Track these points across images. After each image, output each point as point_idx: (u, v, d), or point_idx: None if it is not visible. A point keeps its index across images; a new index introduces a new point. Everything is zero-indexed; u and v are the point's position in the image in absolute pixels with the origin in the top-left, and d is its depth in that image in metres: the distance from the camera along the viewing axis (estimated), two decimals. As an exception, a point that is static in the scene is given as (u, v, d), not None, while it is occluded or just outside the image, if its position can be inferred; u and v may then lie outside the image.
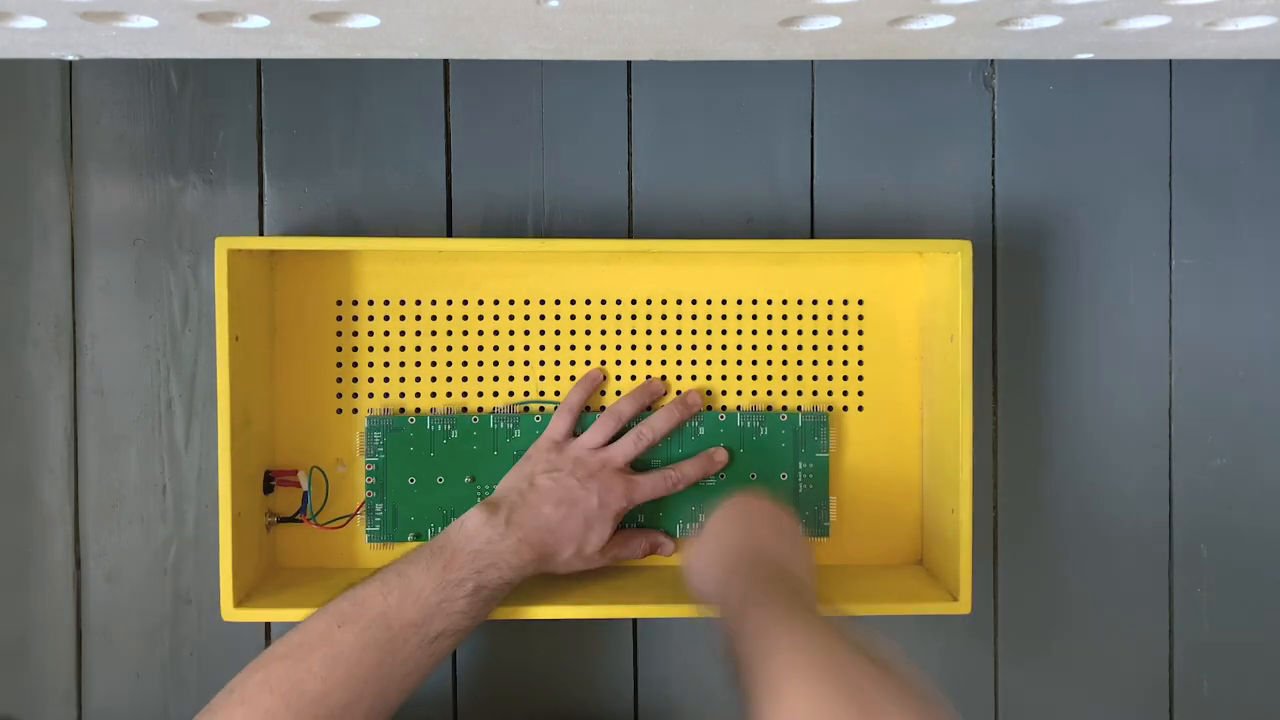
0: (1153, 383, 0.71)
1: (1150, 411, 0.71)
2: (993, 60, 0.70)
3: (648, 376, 0.69)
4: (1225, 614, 0.71)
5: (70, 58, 0.68)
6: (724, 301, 0.69)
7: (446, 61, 0.69)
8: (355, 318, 0.68)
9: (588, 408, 0.68)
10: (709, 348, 0.69)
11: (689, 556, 0.60)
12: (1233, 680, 0.71)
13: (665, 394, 0.69)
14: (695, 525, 0.68)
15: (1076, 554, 0.71)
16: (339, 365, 0.68)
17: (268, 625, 0.69)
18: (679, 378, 0.69)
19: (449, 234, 0.69)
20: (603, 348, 0.69)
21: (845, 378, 0.69)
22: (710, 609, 0.56)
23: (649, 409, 0.68)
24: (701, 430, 0.68)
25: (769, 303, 0.69)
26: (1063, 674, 0.71)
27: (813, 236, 0.70)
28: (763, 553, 0.56)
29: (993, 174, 0.70)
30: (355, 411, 0.68)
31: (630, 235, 0.69)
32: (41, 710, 0.69)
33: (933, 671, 0.71)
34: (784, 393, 0.69)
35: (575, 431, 0.67)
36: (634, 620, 0.70)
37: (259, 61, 0.69)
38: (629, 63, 0.69)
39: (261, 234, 0.69)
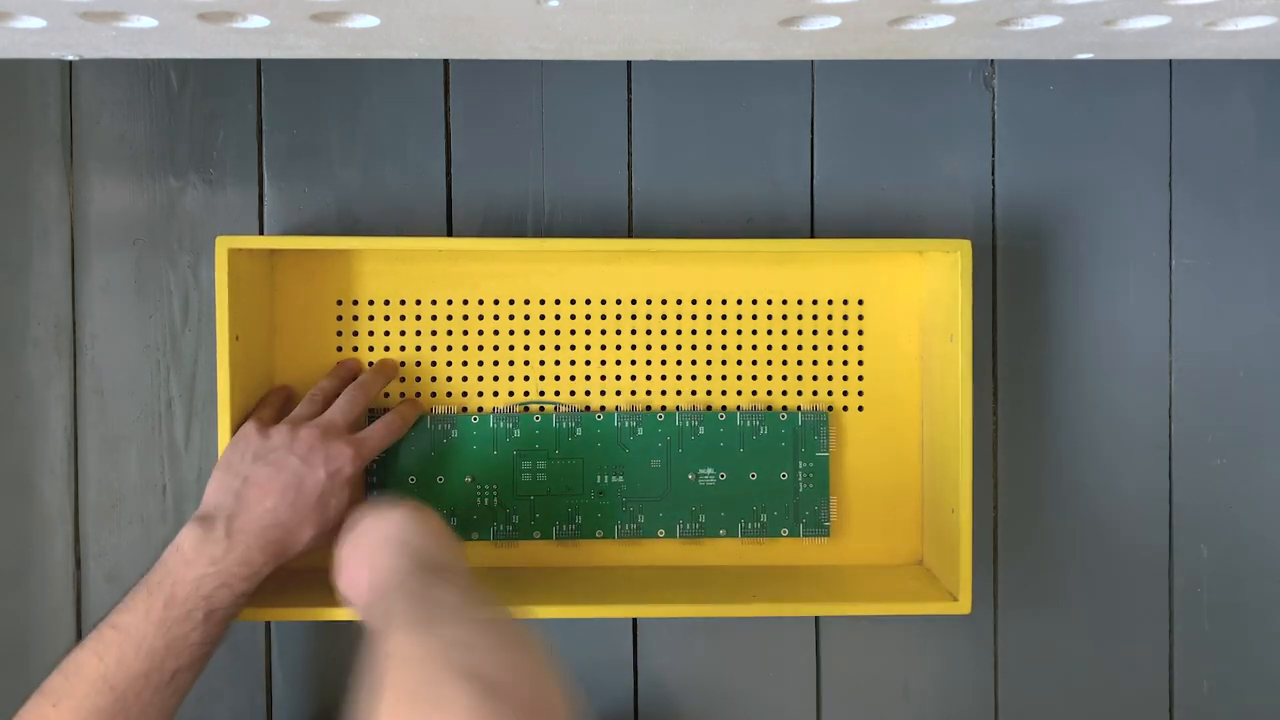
0: (1153, 383, 0.71)
1: (1150, 411, 0.71)
2: (993, 60, 0.70)
3: (634, 376, 0.69)
4: (1225, 614, 0.71)
5: (70, 58, 0.68)
6: (724, 301, 0.69)
7: (446, 61, 0.69)
8: (355, 318, 0.68)
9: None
10: (709, 347, 0.69)
11: (340, 559, 0.56)
12: (1233, 680, 0.71)
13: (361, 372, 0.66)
14: (695, 526, 0.68)
15: (1076, 553, 0.71)
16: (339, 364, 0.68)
17: (268, 625, 0.69)
18: (679, 377, 0.69)
19: (449, 234, 0.69)
20: (603, 347, 0.69)
21: (845, 377, 0.69)
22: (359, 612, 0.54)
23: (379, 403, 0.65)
24: (702, 430, 0.68)
25: (769, 302, 0.69)
26: (1062, 673, 0.71)
27: (813, 236, 0.70)
28: (405, 551, 0.52)
29: (993, 174, 0.70)
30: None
31: (630, 234, 0.69)
32: (41, 710, 0.68)
33: (932, 671, 0.71)
34: (784, 392, 0.69)
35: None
36: (634, 620, 0.70)
37: (259, 61, 0.69)
38: (629, 63, 0.69)
39: (261, 234, 0.69)
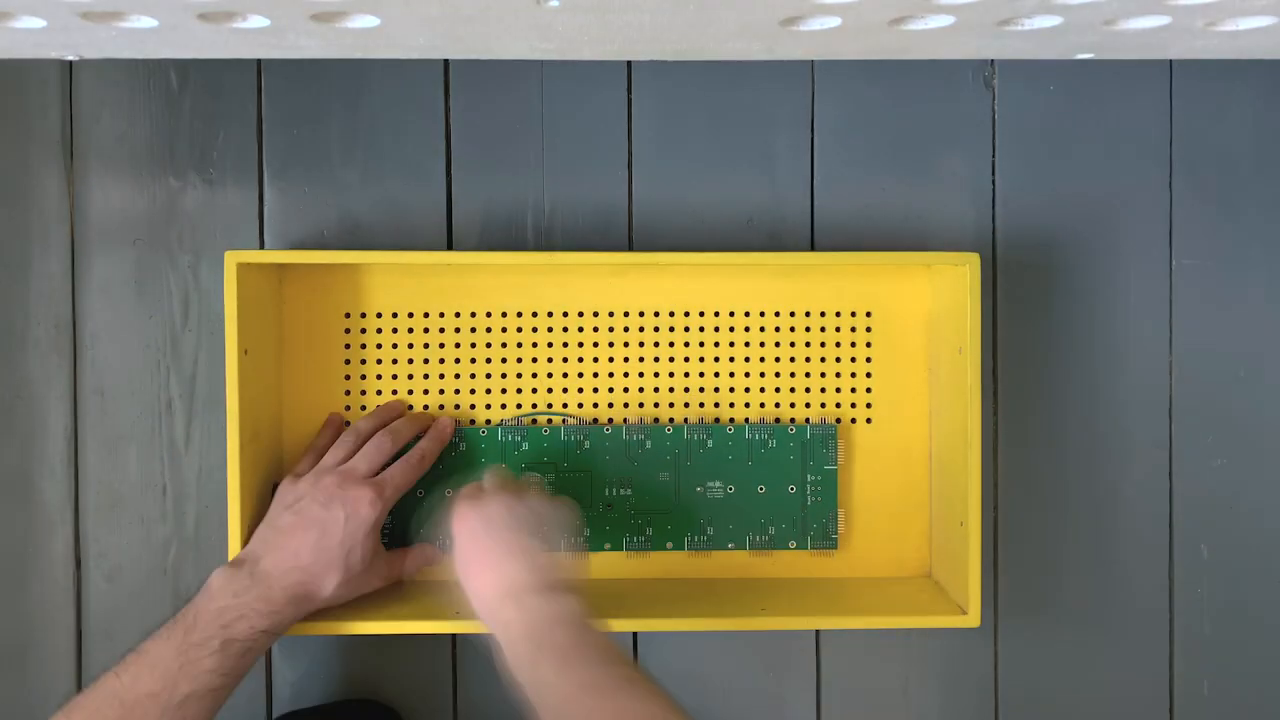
0: (1153, 383, 0.71)
1: (1150, 411, 0.71)
2: (993, 60, 0.70)
3: (642, 389, 0.69)
4: (1225, 614, 0.71)
5: (70, 58, 0.68)
6: (731, 313, 0.69)
7: (446, 61, 0.69)
8: (364, 330, 0.68)
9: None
10: (716, 359, 0.69)
11: (460, 574, 0.58)
12: (1233, 680, 0.71)
13: (410, 411, 0.68)
14: (703, 539, 0.68)
15: (1076, 553, 0.71)
16: (346, 378, 0.68)
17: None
18: (687, 390, 0.69)
19: (449, 234, 0.69)
20: (610, 359, 0.69)
21: (853, 389, 0.69)
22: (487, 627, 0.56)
23: (416, 437, 0.66)
24: (710, 443, 0.68)
25: (776, 314, 0.69)
26: (1063, 674, 0.71)
27: (813, 237, 0.70)
28: (520, 581, 0.55)
29: (993, 174, 0.70)
30: (347, 423, 0.68)
31: (630, 235, 0.69)
32: (42, 710, 0.68)
33: (933, 676, 0.71)
34: (791, 405, 0.69)
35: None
36: (634, 634, 0.70)
37: (259, 61, 0.69)
38: (629, 63, 0.69)
39: (262, 234, 0.69)
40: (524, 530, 0.57)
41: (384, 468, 0.63)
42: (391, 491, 0.62)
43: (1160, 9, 0.56)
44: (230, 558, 0.62)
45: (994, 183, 0.70)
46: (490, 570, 0.56)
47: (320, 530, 0.60)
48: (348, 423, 0.67)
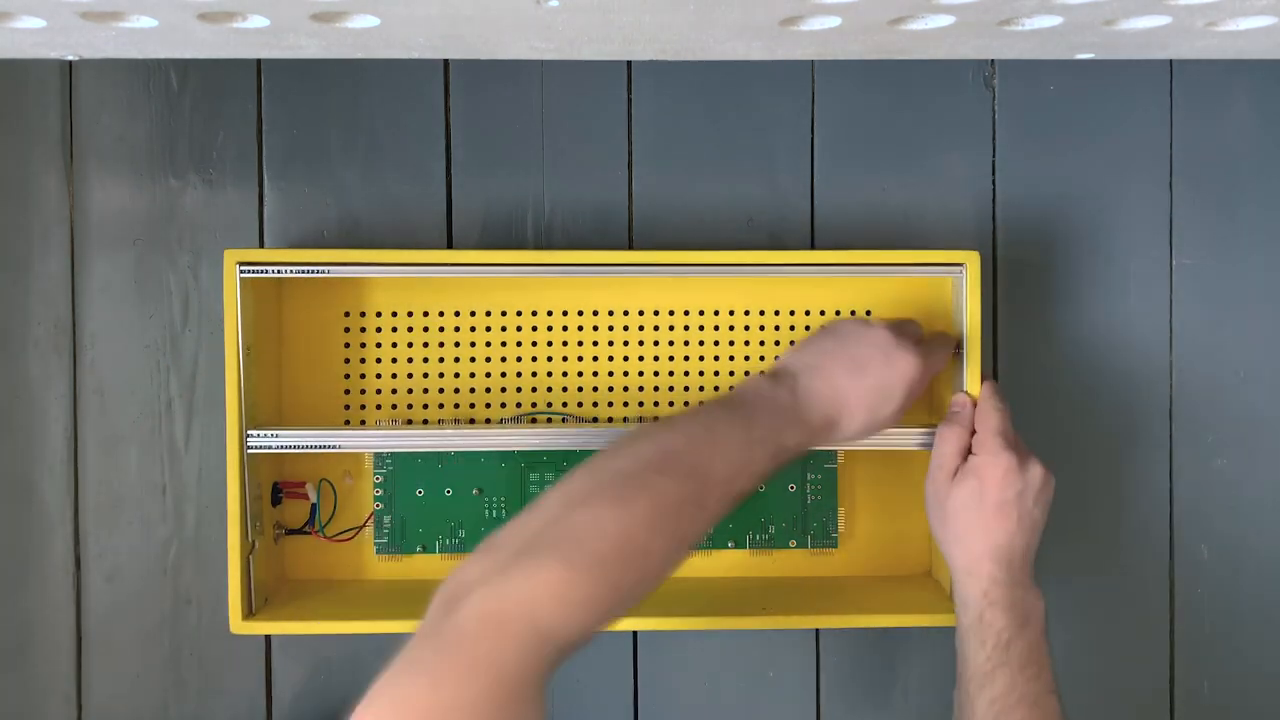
0: (1153, 383, 0.71)
1: (1150, 411, 0.71)
2: (993, 60, 0.70)
3: (642, 389, 0.69)
4: (1225, 614, 0.71)
5: (70, 58, 0.68)
6: (731, 312, 0.69)
7: (446, 61, 0.69)
8: (364, 329, 0.68)
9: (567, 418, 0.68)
10: (716, 359, 0.69)
11: (946, 505, 0.60)
12: (1233, 680, 0.71)
13: None
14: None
15: (1076, 554, 0.71)
16: (346, 377, 0.68)
17: (268, 636, 0.69)
18: (687, 389, 0.69)
19: (449, 234, 0.69)
20: (610, 359, 0.68)
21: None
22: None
23: None
24: None
25: (776, 313, 0.69)
26: (1063, 674, 0.71)
27: (813, 237, 0.70)
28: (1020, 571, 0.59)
29: (993, 173, 0.70)
30: (363, 423, 0.68)
31: (630, 235, 0.69)
32: (41, 710, 0.69)
33: (935, 673, 0.70)
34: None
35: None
36: (634, 633, 0.70)
37: (259, 61, 0.69)
38: (629, 63, 0.69)
39: (262, 234, 0.69)
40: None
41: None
42: (932, 368, 0.61)
43: (1160, 9, 0.56)
44: (229, 558, 0.62)
45: (994, 183, 0.70)
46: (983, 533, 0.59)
47: (862, 371, 0.58)
48: None
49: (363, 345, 0.68)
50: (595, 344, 0.68)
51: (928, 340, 0.62)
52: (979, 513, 0.59)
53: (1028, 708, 0.56)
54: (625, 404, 0.69)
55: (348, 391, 0.68)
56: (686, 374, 0.69)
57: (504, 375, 0.68)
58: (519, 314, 0.68)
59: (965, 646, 0.59)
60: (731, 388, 0.59)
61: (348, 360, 0.68)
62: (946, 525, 0.61)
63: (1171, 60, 0.70)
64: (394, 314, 0.68)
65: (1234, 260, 0.71)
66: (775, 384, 0.57)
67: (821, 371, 0.58)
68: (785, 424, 0.55)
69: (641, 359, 0.69)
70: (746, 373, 0.69)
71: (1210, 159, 0.71)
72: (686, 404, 0.69)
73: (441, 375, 0.68)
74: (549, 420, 0.68)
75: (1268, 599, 0.71)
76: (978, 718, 0.57)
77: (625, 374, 0.69)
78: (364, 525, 0.68)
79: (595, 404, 0.69)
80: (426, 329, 0.68)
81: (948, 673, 0.71)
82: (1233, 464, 0.71)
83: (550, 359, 0.68)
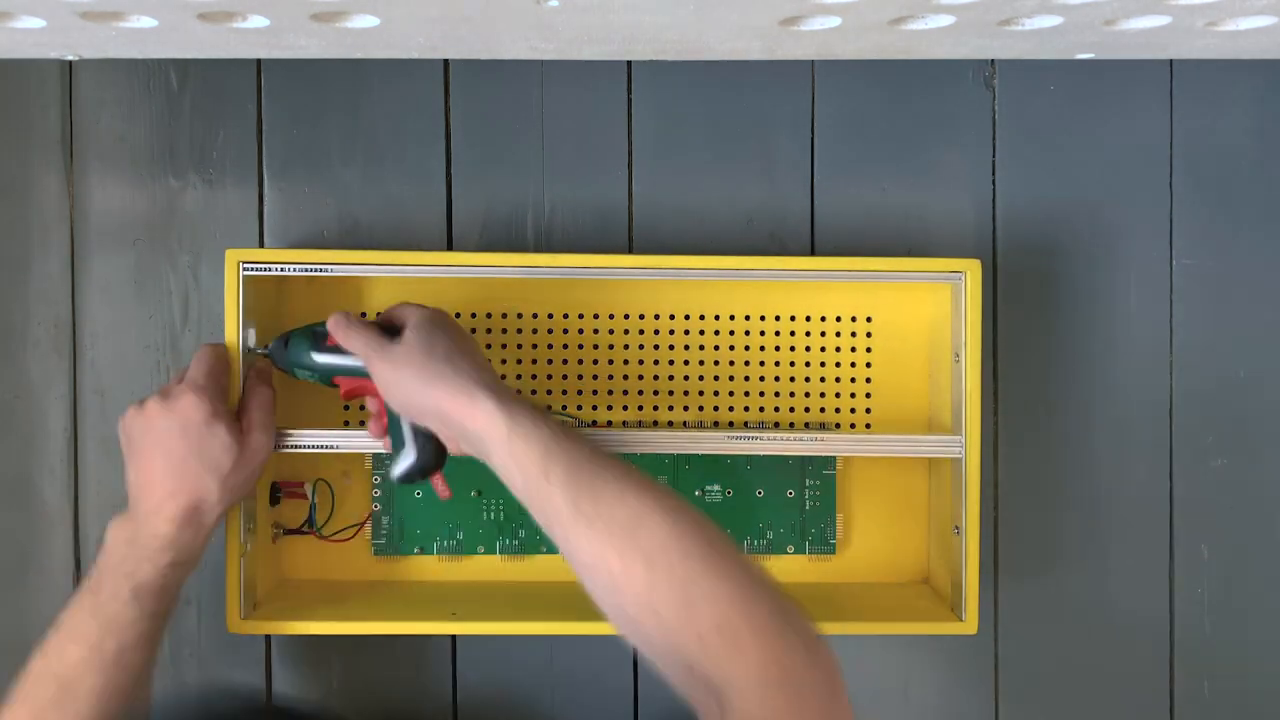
0: (1153, 383, 0.71)
1: (1150, 411, 0.71)
2: (993, 60, 0.70)
3: (641, 391, 0.69)
4: (1225, 614, 0.71)
5: (70, 58, 0.68)
6: (731, 317, 0.69)
7: (446, 61, 0.69)
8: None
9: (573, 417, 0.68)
10: (715, 363, 0.69)
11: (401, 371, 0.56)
12: (1233, 680, 0.71)
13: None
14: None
15: (1076, 553, 0.70)
16: (345, 374, 0.68)
17: (267, 636, 0.69)
18: (686, 393, 0.69)
19: (449, 234, 0.69)
20: (610, 361, 0.68)
21: (853, 394, 0.69)
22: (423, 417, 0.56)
23: None
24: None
25: (776, 319, 0.69)
26: (1064, 674, 0.71)
27: (813, 237, 0.70)
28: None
29: (993, 173, 0.70)
30: (362, 424, 0.68)
31: (630, 235, 0.69)
32: (41, 710, 0.68)
33: (935, 675, 0.70)
34: (791, 409, 0.69)
35: None
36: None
37: (259, 61, 0.69)
38: (629, 63, 0.69)
39: (262, 234, 0.69)
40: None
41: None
42: (208, 381, 0.59)
43: (1160, 9, 0.56)
44: (229, 560, 0.62)
45: (994, 182, 0.70)
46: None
47: (163, 451, 0.58)
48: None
49: (363, 345, 0.68)
50: (595, 346, 0.68)
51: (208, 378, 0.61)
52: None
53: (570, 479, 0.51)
54: (625, 407, 0.69)
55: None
56: (686, 378, 0.69)
57: (503, 377, 0.68)
58: (519, 315, 0.68)
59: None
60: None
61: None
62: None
63: (1171, 60, 0.70)
64: (394, 314, 0.68)
65: (1234, 260, 0.71)
66: (117, 530, 0.58)
67: (137, 485, 0.58)
68: (136, 562, 0.57)
69: (641, 362, 0.69)
70: (746, 377, 0.69)
71: (1210, 159, 0.71)
72: (685, 408, 0.69)
73: (441, 375, 0.68)
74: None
75: (1268, 599, 0.71)
76: (573, 543, 0.50)
77: (625, 377, 0.69)
78: (362, 525, 0.68)
79: (594, 406, 0.68)
80: (426, 329, 0.68)
81: (948, 677, 0.71)
82: (1233, 464, 0.71)
83: (550, 361, 0.68)
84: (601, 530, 0.48)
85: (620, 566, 0.47)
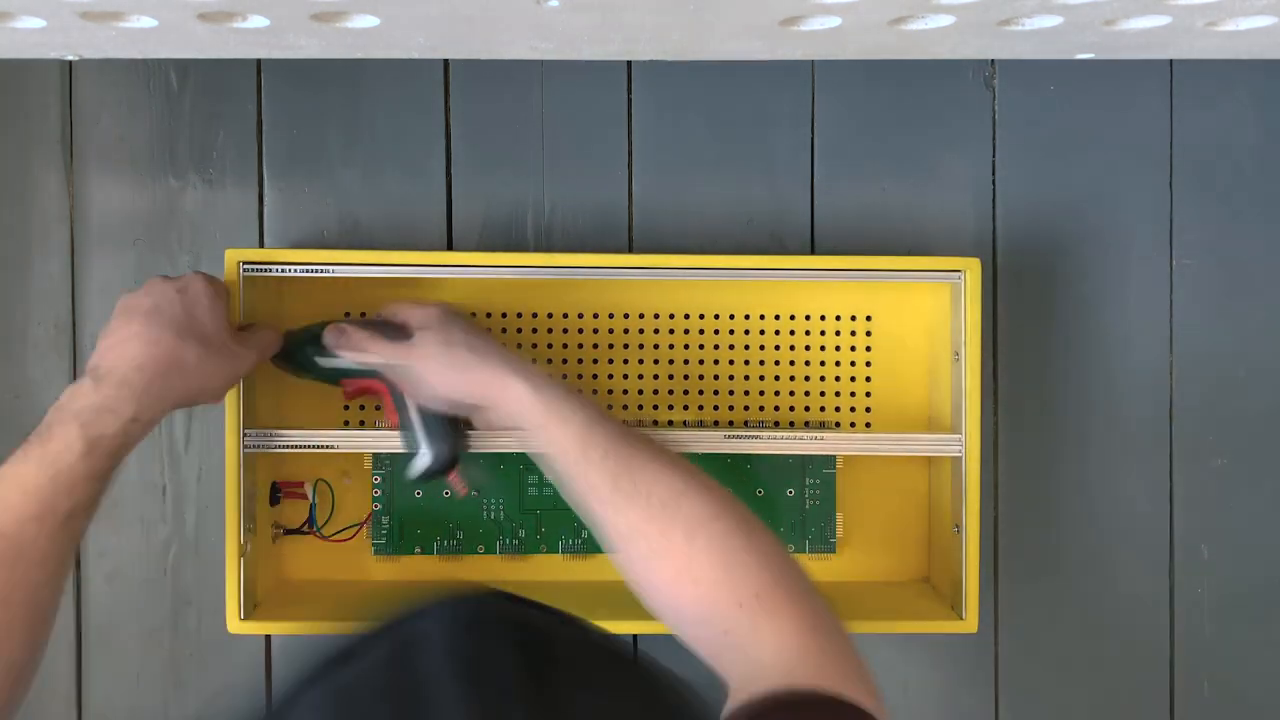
0: (1153, 383, 0.71)
1: (1150, 411, 0.71)
2: (993, 60, 0.70)
3: (641, 391, 0.69)
4: (1225, 614, 0.71)
5: (70, 58, 0.68)
6: (731, 316, 0.69)
7: (446, 61, 0.69)
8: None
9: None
10: (715, 362, 0.69)
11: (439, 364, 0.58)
12: (1233, 680, 0.71)
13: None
14: None
15: (1077, 554, 0.71)
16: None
17: (267, 636, 0.69)
18: (685, 392, 0.69)
19: (449, 234, 0.69)
20: (610, 361, 0.68)
21: (853, 394, 0.69)
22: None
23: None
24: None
25: (776, 318, 0.69)
26: (1064, 674, 0.71)
27: (813, 237, 0.70)
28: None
29: (993, 173, 0.70)
30: (362, 424, 0.68)
31: (630, 235, 0.69)
32: (42, 710, 0.68)
33: (935, 674, 0.70)
34: (791, 408, 0.69)
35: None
36: (634, 636, 0.70)
37: (259, 61, 0.69)
38: (629, 63, 0.69)
39: (262, 234, 0.69)
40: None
41: None
42: (215, 282, 0.59)
43: (1160, 9, 0.56)
44: (229, 560, 0.62)
45: (994, 182, 0.70)
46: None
47: (153, 308, 0.56)
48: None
49: (363, 345, 0.68)
50: (595, 346, 0.68)
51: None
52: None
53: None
54: (625, 406, 0.69)
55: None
56: (686, 377, 0.69)
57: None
58: (519, 315, 0.68)
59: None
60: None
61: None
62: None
63: (1171, 60, 0.70)
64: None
65: (1234, 260, 0.71)
66: (75, 388, 0.54)
67: (110, 346, 0.55)
68: (95, 413, 0.52)
69: (641, 361, 0.69)
70: (746, 376, 0.69)
71: (1210, 159, 0.71)
72: (685, 407, 0.69)
73: (441, 375, 0.68)
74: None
75: (1268, 599, 0.71)
76: (611, 518, 0.53)
77: (625, 376, 0.69)
78: (362, 525, 0.68)
79: (595, 404, 0.68)
80: (426, 329, 0.68)
81: (948, 676, 0.71)
82: (1233, 464, 0.71)
83: (550, 360, 0.68)
84: (641, 505, 0.51)
85: (661, 538, 0.51)
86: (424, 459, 0.61)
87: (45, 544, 0.50)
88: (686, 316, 0.69)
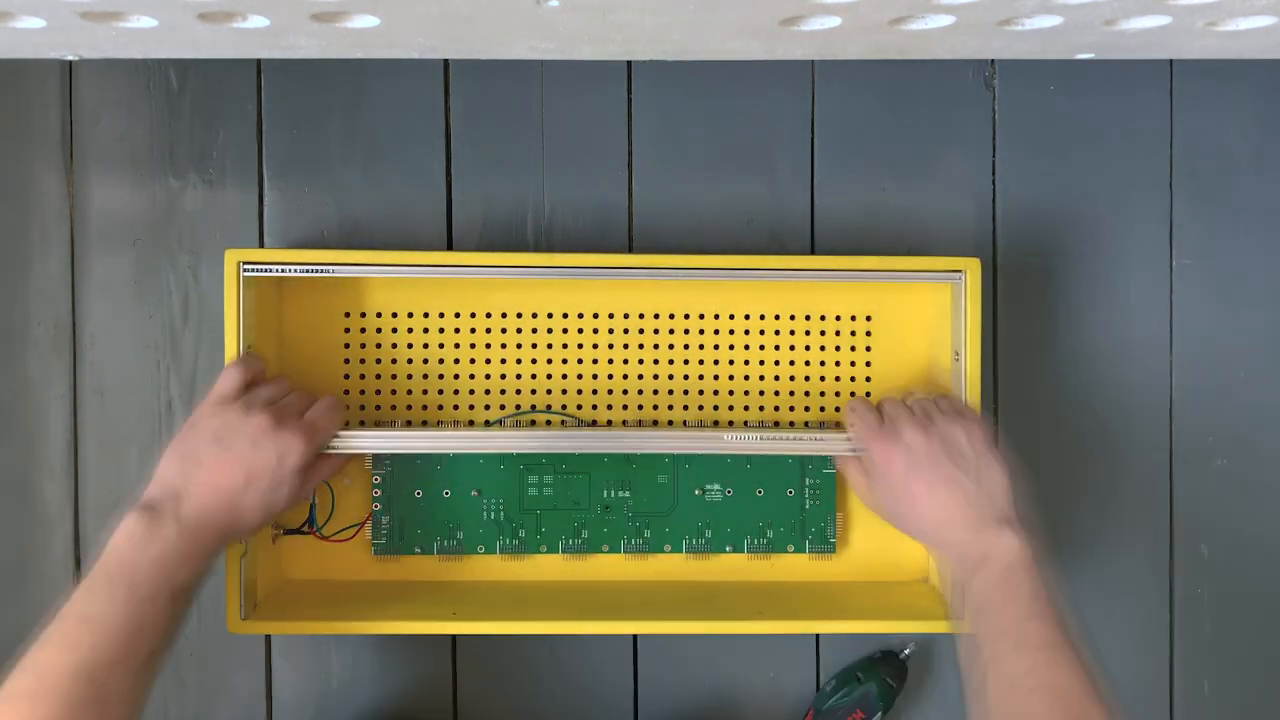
0: (1153, 382, 0.71)
1: (1150, 411, 0.71)
2: (993, 60, 0.70)
3: (641, 390, 0.69)
4: (1225, 614, 0.71)
5: (70, 58, 0.68)
6: (731, 316, 0.69)
7: (446, 61, 0.69)
8: (364, 330, 0.68)
9: (580, 419, 0.68)
10: (715, 361, 0.69)
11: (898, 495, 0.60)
12: (1233, 680, 0.71)
13: None
14: (701, 542, 0.68)
15: (1077, 554, 0.71)
16: (346, 377, 0.68)
17: (267, 636, 0.69)
18: (685, 392, 0.69)
19: (449, 234, 0.69)
20: (610, 361, 0.68)
21: (853, 394, 0.69)
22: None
23: None
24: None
25: (776, 317, 0.69)
26: (1063, 674, 0.71)
27: (813, 238, 0.70)
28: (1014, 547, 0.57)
29: (993, 174, 0.70)
30: (362, 424, 0.68)
31: (630, 236, 0.69)
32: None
33: (935, 674, 0.70)
34: (791, 408, 0.69)
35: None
36: (634, 636, 0.70)
37: (259, 61, 0.69)
38: (629, 63, 0.69)
39: (262, 234, 0.69)
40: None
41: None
42: (319, 437, 0.60)
43: (1160, 9, 0.56)
44: (229, 560, 0.62)
45: (994, 183, 0.70)
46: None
47: (247, 472, 0.57)
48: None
49: (362, 346, 0.68)
50: (595, 346, 0.68)
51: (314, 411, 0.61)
52: (902, 495, 0.60)
53: (1031, 651, 0.55)
54: (625, 407, 0.69)
55: (347, 392, 0.68)
56: (686, 377, 0.69)
57: (503, 377, 0.68)
58: (519, 315, 0.68)
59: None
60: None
61: (347, 360, 0.68)
62: (906, 522, 0.62)
63: (1171, 60, 0.70)
64: (394, 314, 0.68)
65: (1234, 260, 0.71)
66: (153, 524, 0.55)
67: (202, 484, 0.57)
68: (176, 565, 0.55)
69: (641, 361, 0.69)
70: (746, 376, 0.69)
71: (1210, 159, 0.71)
72: (685, 407, 0.69)
73: (441, 376, 0.68)
74: (548, 422, 0.68)
75: (1268, 600, 0.71)
76: (990, 684, 0.54)
77: (625, 376, 0.69)
78: (362, 526, 0.68)
79: (594, 406, 0.68)
80: (426, 329, 0.68)
81: (947, 677, 0.71)
82: (1233, 464, 0.71)
83: (550, 361, 0.68)
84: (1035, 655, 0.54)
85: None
86: None
87: (131, 681, 0.52)
88: (686, 316, 0.69)
